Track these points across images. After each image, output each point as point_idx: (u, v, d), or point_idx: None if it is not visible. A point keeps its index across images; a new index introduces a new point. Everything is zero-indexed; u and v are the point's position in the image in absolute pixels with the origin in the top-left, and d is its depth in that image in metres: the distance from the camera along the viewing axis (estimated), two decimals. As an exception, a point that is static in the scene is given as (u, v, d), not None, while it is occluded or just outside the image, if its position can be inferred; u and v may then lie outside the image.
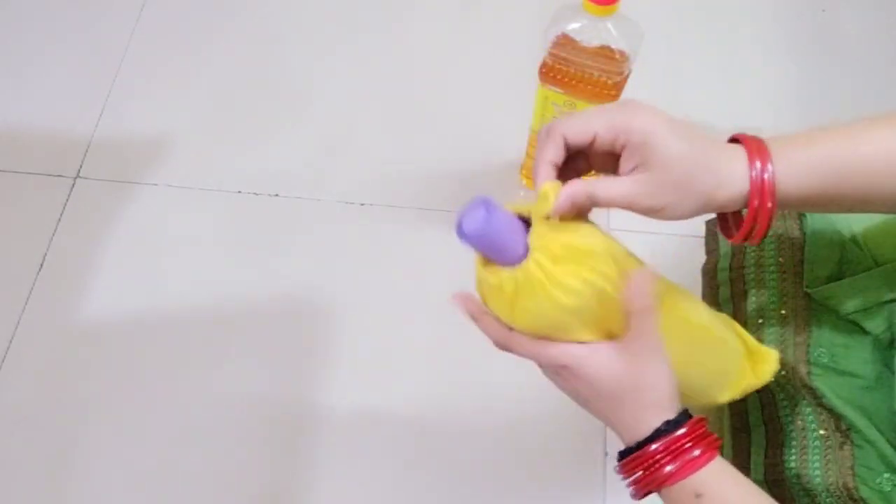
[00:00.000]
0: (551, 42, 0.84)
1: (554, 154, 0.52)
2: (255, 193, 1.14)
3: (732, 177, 0.50)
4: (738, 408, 0.77)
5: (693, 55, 1.26)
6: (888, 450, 0.62)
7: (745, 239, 0.52)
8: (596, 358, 0.52)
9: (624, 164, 0.51)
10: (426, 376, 1.00)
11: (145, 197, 1.15)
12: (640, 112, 0.51)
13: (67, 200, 1.15)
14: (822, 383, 0.66)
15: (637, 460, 0.52)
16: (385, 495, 0.94)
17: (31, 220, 1.13)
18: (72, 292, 1.08)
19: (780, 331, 0.70)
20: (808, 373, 0.67)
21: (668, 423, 0.51)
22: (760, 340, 0.70)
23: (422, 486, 0.94)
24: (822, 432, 0.66)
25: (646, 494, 0.53)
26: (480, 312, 0.56)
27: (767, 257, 0.74)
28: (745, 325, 0.73)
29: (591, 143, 0.52)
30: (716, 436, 0.53)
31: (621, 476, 0.54)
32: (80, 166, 1.18)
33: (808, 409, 0.68)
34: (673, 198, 0.50)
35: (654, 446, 0.51)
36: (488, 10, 1.31)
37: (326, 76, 1.26)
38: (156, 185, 1.16)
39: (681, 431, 0.51)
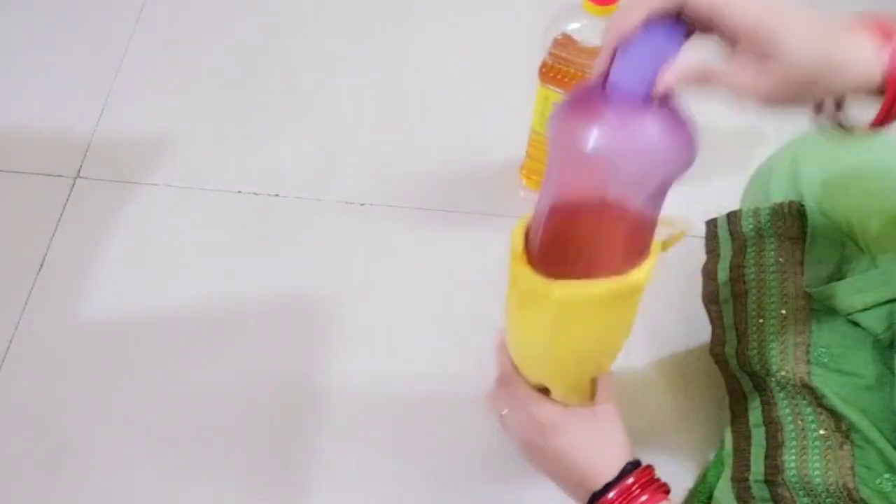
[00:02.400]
0: (551, 42, 0.84)
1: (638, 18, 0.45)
2: (255, 193, 1.15)
3: (859, 67, 0.45)
4: (739, 408, 0.78)
5: (692, 54, 1.25)
6: (888, 450, 0.63)
7: (880, 123, 0.47)
8: (577, 419, 0.61)
9: (740, 47, 0.45)
10: (425, 374, 1.00)
11: (145, 197, 1.15)
12: None
13: (67, 200, 1.15)
14: (822, 383, 0.67)
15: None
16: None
17: (31, 220, 1.14)
18: (72, 292, 1.08)
19: (781, 331, 0.71)
20: (809, 373, 0.67)
21: (622, 469, 0.59)
22: (763, 341, 0.72)
23: (419, 481, 0.95)
24: (822, 432, 0.67)
25: None
26: (502, 344, 0.66)
27: (767, 257, 0.74)
28: (745, 324, 0.74)
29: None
30: (662, 482, 0.59)
31: None
32: (80, 166, 1.18)
33: (809, 410, 0.68)
34: (793, 96, 0.45)
35: (610, 494, 0.58)
36: (488, 11, 1.32)
37: (327, 76, 1.27)
38: (156, 185, 1.16)
39: (629, 480, 0.58)
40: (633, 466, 0.59)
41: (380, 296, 1.06)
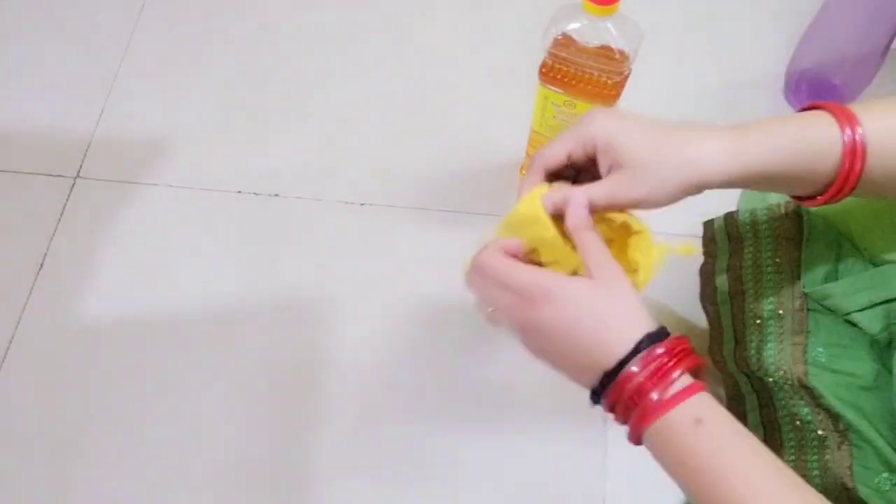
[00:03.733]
0: (551, 42, 0.84)
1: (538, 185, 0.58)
2: (255, 193, 1.15)
3: (706, 161, 0.53)
4: (737, 410, 0.78)
5: (693, 54, 1.27)
6: (887, 450, 0.63)
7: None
8: (572, 283, 0.52)
9: (602, 168, 0.56)
10: (425, 370, 1.02)
11: (146, 197, 1.16)
12: (597, 118, 0.55)
13: (67, 200, 1.15)
14: (819, 383, 0.66)
15: (619, 385, 0.50)
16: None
17: (31, 220, 1.14)
18: (72, 292, 1.08)
19: (778, 331, 0.71)
20: (806, 373, 0.67)
21: (639, 342, 0.50)
22: (761, 341, 0.72)
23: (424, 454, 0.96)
24: (820, 432, 0.67)
25: (638, 429, 0.51)
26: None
27: (765, 258, 0.74)
28: (742, 325, 0.75)
29: (571, 162, 0.57)
30: (698, 356, 0.52)
31: (606, 410, 0.52)
32: (80, 166, 1.18)
33: (806, 410, 0.68)
34: (648, 186, 0.53)
35: (633, 368, 0.49)
36: (487, 12, 1.32)
37: (326, 76, 1.27)
38: (156, 184, 1.16)
39: (660, 350, 0.50)
40: (655, 337, 0.50)
41: (379, 295, 1.07)
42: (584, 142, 0.56)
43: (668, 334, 0.51)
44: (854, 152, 0.51)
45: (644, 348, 0.49)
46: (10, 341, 1.04)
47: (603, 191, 0.55)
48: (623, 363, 0.49)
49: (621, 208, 0.56)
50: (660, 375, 0.49)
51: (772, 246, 0.74)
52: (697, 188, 0.54)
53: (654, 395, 0.49)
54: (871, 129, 0.52)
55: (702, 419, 0.48)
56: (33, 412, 1.00)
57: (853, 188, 0.53)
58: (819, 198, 0.56)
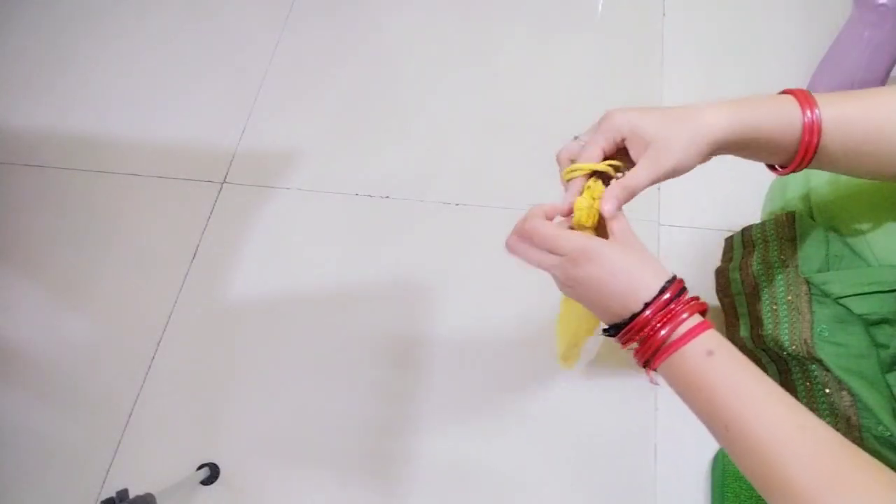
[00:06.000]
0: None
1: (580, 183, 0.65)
2: (369, 196, 1.23)
3: (709, 125, 0.60)
4: None
5: (723, 81, 1.30)
6: (882, 414, 0.70)
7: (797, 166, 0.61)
8: (606, 245, 0.59)
9: (632, 153, 0.62)
10: (508, 347, 1.07)
11: (280, 199, 1.25)
12: (617, 115, 0.62)
13: (216, 202, 1.26)
14: (825, 355, 0.74)
15: (639, 324, 0.56)
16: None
17: (187, 217, 1.25)
18: (219, 277, 1.19)
19: (790, 313, 0.78)
20: (814, 346, 0.75)
21: (661, 287, 0.56)
22: (777, 322, 0.80)
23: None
24: (827, 391, 0.75)
25: (655, 359, 0.56)
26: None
27: (772, 256, 0.82)
28: (759, 311, 0.82)
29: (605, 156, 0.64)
30: (698, 299, 0.57)
31: (623, 344, 0.59)
32: (227, 173, 1.29)
33: (817, 373, 0.76)
34: (677, 155, 0.60)
35: (665, 296, 0.55)
36: (559, 40, 1.39)
37: (427, 98, 1.34)
38: (288, 188, 1.26)
39: (665, 296, 0.55)
40: (670, 283, 0.56)
41: (471, 283, 1.14)
42: (612, 137, 0.62)
43: (681, 284, 0.57)
44: (812, 129, 0.59)
45: (665, 289, 0.56)
46: (169, 317, 1.16)
47: (642, 173, 0.60)
48: (648, 304, 0.56)
49: (660, 181, 0.61)
50: (670, 316, 0.55)
51: (777, 247, 0.82)
52: (711, 147, 0.60)
53: (665, 332, 0.55)
54: (826, 112, 0.59)
55: (713, 351, 0.54)
56: (188, 376, 1.11)
57: (812, 158, 0.61)
58: (789, 166, 0.63)
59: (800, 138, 0.60)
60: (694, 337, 0.55)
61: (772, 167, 0.66)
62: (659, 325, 0.56)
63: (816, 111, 0.59)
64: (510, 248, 0.65)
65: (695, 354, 0.55)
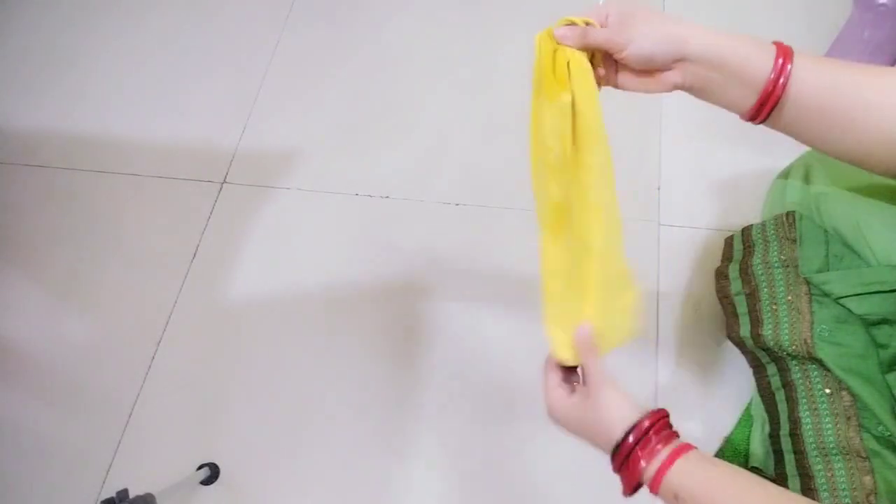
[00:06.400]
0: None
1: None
2: (369, 196, 1.24)
3: (687, 28, 0.60)
4: (762, 376, 0.86)
5: None
6: (882, 414, 0.71)
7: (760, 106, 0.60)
8: (573, 408, 0.65)
9: (611, 28, 0.62)
10: (509, 346, 1.08)
11: (280, 198, 1.26)
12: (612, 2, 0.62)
13: (216, 201, 1.27)
14: (825, 355, 0.75)
15: (617, 457, 0.59)
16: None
17: (187, 217, 1.26)
18: (219, 276, 1.20)
19: (791, 312, 0.79)
20: (814, 345, 0.76)
21: (631, 427, 0.59)
22: (777, 323, 0.81)
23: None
24: (827, 391, 0.76)
25: (635, 489, 0.59)
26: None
27: (772, 257, 0.83)
28: (760, 311, 0.83)
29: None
30: (673, 429, 0.59)
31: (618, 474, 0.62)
32: (227, 173, 1.30)
33: (816, 373, 0.77)
34: (639, 33, 0.60)
35: (630, 439, 0.58)
36: None
37: (427, 99, 1.35)
38: (288, 188, 1.27)
39: (646, 423, 0.58)
40: (631, 429, 0.59)
41: (471, 283, 1.15)
42: (603, 16, 0.62)
43: (646, 422, 0.59)
44: (776, 80, 0.58)
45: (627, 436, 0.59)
46: (169, 317, 1.17)
47: (603, 34, 0.60)
48: (616, 447, 0.59)
49: (616, 50, 0.61)
50: (631, 471, 0.58)
51: (777, 247, 0.83)
52: (677, 55, 0.60)
53: (643, 465, 0.57)
54: (800, 69, 0.58)
55: (678, 494, 0.55)
56: (188, 374, 1.12)
57: (770, 111, 0.59)
58: (748, 111, 0.61)
59: (765, 82, 0.58)
60: (661, 478, 0.56)
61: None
62: (630, 473, 0.59)
63: (789, 65, 0.58)
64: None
65: (665, 497, 0.57)
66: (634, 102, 1.19)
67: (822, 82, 0.58)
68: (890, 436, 0.72)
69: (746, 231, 0.90)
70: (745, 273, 0.87)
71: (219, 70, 1.45)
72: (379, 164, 1.29)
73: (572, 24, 0.62)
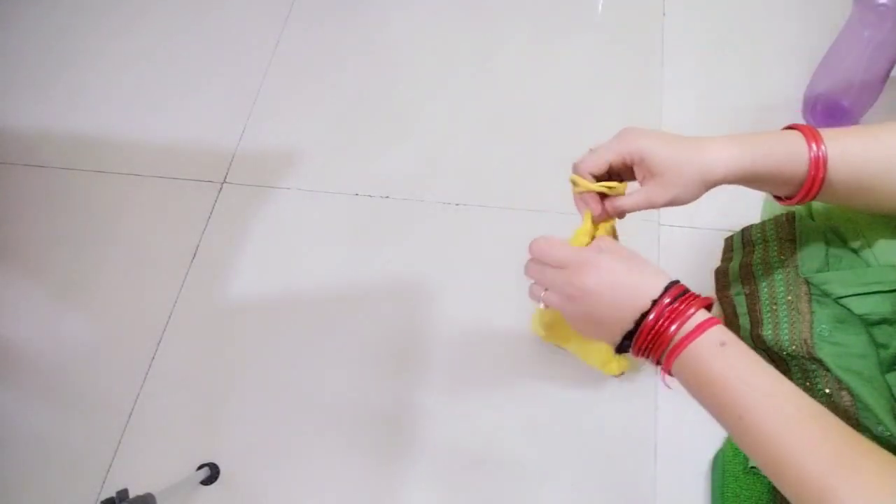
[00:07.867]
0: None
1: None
2: (369, 196, 1.24)
3: (715, 162, 0.64)
4: None
5: (725, 81, 1.30)
6: (882, 414, 0.71)
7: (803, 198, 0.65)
8: (605, 252, 0.64)
9: (638, 176, 0.68)
10: (509, 346, 1.08)
11: (280, 199, 1.26)
12: (633, 138, 0.66)
13: (216, 201, 1.27)
14: (825, 355, 0.75)
15: (648, 325, 0.59)
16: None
17: (187, 217, 1.26)
18: (219, 277, 1.20)
19: (790, 313, 0.79)
20: (814, 345, 0.76)
21: (666, 286, 0.60)
22: (777, 322, 0.81)
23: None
24: (827, 391, 0.75)
25: (668, 357, 0.59)
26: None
27: (772, 256, 0.84)
28: (759, 311, 0.84)
29: (611, 169, 0.68)
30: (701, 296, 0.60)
31: (636, 353, 0.62)
32: (227, 173, 1.30)
33: (817, 373, 0.76)
34: (677, 189, 0.65)
35: (666, 300, 0.59)
36: (560, 40, 1.40)
37: (427, 99, 1.36)
38: (288, 188, 1.27)
39: (670, 298, 0.59)
40: (672, 283, 0.60)
41: (471, 283, 1.15)
42: (622, 156, 0.66)
43: (682, 286, 0.61)
44: (818, 164, 0.62)
45: (669, 289, 0.60)
46: (169, 317, 1.17)
47: (642, 197, 0.66)
48: (656, 302, 0.59)
49: (658, 207, 0.67)
50: (678, 313, 0.58)
51: (776, 247, 0.83)
52: (712, 185, 0.65)
53: (674, 328, 0.58)
54: (832, 147, 0.62)
55: (725, 342, 0.57)
56: (188, 373, 1.12)
57: (818, 191, 0.64)
58: (795, 198, 0.66)
59: (806, 173, 0.63)
60: (704, 331, 0.57)
61: (777, 197, 0.70)
62: (667, 322, 0.58)
63: (823, 147, 0.62)
64: (526, 272, 0.71)
65: (708, 346, 0.57)
66: (634, 101, 1.26)
67: (853, 158, 0.63)
68: (890, 436, 0.71)
69: (746, 231, 0.90)
70: (745, 273, 0.87)
71: (219, 70, 1.45)
72: (379, 163, 1.29)
73: (590, 190, 0.69)
